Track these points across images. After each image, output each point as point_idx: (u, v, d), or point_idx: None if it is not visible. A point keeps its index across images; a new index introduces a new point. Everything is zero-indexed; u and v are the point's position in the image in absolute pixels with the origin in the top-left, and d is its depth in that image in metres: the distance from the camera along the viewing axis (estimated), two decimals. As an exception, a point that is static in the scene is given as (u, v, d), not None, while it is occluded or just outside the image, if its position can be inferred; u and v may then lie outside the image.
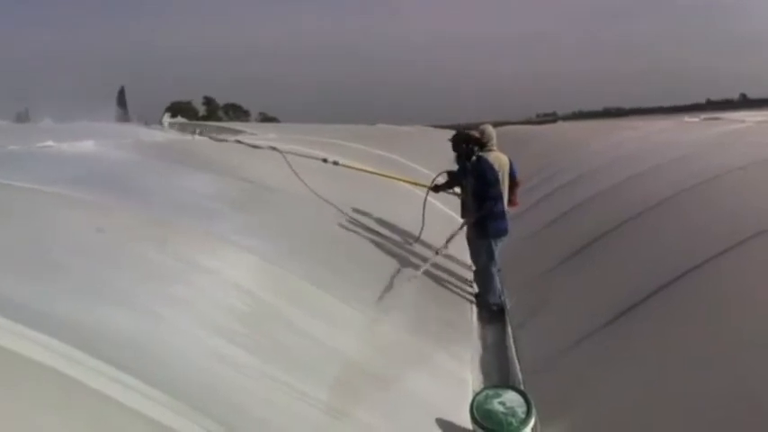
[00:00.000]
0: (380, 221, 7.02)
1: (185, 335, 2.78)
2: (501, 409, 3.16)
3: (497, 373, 4.72)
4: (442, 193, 7.29)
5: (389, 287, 5.15)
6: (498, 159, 6.50)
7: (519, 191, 7.19)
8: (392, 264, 5.90)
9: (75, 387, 1.93)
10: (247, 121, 71.03)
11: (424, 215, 6.70)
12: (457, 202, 7.24)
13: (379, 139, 16.98)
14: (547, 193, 9.85)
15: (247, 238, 4.28)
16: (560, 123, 39.71)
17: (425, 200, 6.85)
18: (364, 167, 8.68)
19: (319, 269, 4.58)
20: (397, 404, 3.50)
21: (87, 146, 6.47)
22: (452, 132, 6.81)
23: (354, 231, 6.21)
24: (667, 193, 5.64)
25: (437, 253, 6.10)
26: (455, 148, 6.46)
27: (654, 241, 4.98)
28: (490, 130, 6.71)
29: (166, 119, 17.60)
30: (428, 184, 7.14)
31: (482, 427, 3.08)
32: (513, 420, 3.08)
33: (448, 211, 8.57)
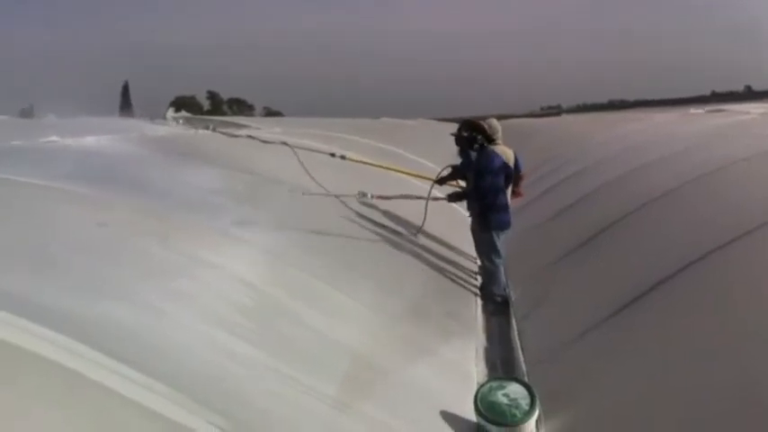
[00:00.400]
0: (386, 214, 7.02)
1: (189, 328, 2.79)
2: (505, 401, 3.16)
3: (502, 365, 4.73)
4: (445, 187, 7.29)
5: (394, 280, 5.16)
6: (504, 152, 6.50)
7: (523, 183, 7.19)
8: (397, 256, 5.90)
9: (76, 380, 1.93)
10: (251, 115, 70.97)
11: (426, 208, 6.71)
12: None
13: (384, 132, 16.99)
14: (551, 185, 9.85)
15: (251, 232, 4.29)
16: (564, 116, 39.62)
17: (429, 193, 6.86)
18: (371, 161, 8.70)
19: (324, 263, 4.58)
20: (401, 397, 3.50)
21: (91, 141, 6.49)
22: (456, 126, 6.82)
23: (359, 224, 6.21)
24: (671, 185, 5.63)
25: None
26: (458, 142, 6.49)
27: (658, 233, 4.97)
28: (496, 123, 6.71)
29: (170, 114, 17.56)
30: (433, 177, 7.16)
31: (486, 418, 3.08)
32: (518, 412, 3.08)
33: (455, 206, 8.56)
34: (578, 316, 4.44)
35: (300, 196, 6.08)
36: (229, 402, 2.37)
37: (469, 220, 6.76)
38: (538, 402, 3.15)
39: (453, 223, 7.88)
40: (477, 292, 6.25)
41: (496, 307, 5.96)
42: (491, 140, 6.42)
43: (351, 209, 6.54)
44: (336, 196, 6.54)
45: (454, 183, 7.15)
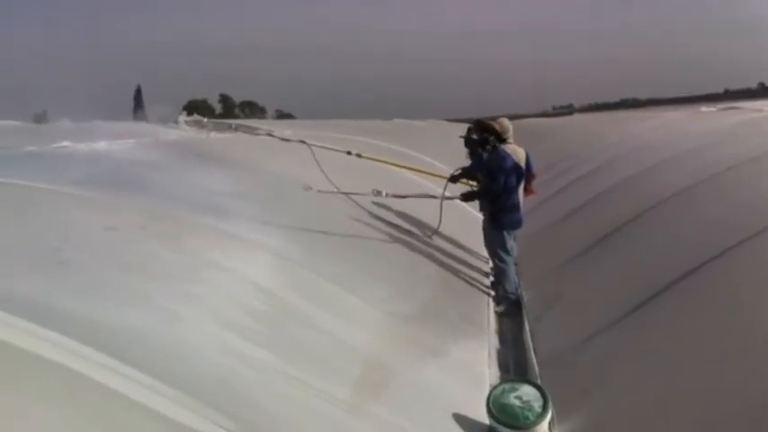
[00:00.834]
0: (399, 215, 7.02)
1: (198, 331, 2.79)
2: (517, 403, 3.15)
3: (514, 366, 4.71)
4: (458, 189, 7.30)
5: (406, 282, 5.16)
6: (515, 152, 6.49)
7: (535, 182, 7.18)
8: (410, 258, 5.90)
9: (80, 382, 1.94)
10: (263, 118, 71.12)
11: (441, 208, 6.72)
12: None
13: (395, 134, 16.98)
14: (563, 185, 9.82)
15: (263, 235, 4.29)
16: (576, 116, 39.48)
17: (443, 192, 6.87)
18: (385, 159, 8.73)
19: (335, 265, 4.58)
20: (413, 399, 3.50)
21: (103, 146, 6.52)
22: (466, 128, 6.82)
23: (372, 226, 6.21)
24: (683, 185, 5.60)
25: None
26: (467, 144, 6.50)
27: (670, 233, 4.95)
28: (507, 123, 6.71)
29: (183, 117, 17.63)
30: (446, 177, 7.17)
31: (499, 421, 3.07)
32: (530, 414, 3.07)
33: (467, 206, 8.55)
34: (591, 317, 4.42)
35: (313, 197, 6.08)
36: (238, 405, 2.37)
37: (482, 219, 6.76)
38: (550, 404, 3.13)
39: (466, 224, 7.87)
40: (490, 292, 6.24)
41: (508, 306, 5.95)
42: (502, 140, 6.41)
43: (364, 210, 6.54)
44: (349, 194, 6.54)
45: (466, 182, 7.15)
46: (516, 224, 6.31)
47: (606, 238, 5.68)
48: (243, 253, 3.91)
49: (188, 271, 3.36)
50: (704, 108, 15.38)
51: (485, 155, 6.25)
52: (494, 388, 3.34)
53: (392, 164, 8.74)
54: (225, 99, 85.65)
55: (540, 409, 3.09)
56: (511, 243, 6.26)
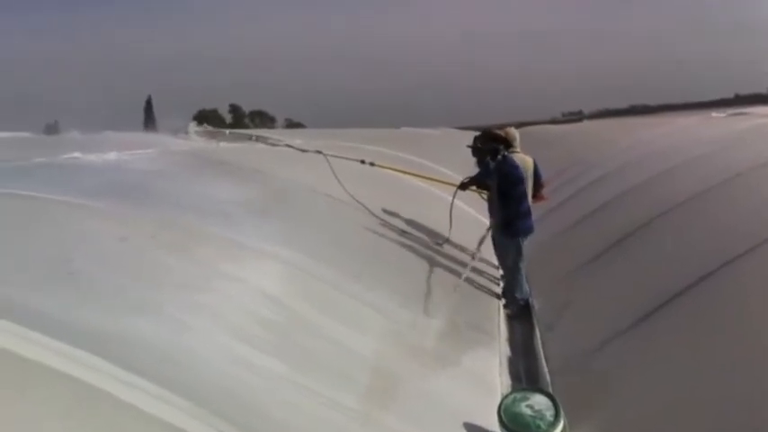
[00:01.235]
0: (409, 223, 7.02)
1: (209, 341, 2.79)
2: (529, 412, 3.13)
3: (525, 375, 4.69)
4: (468, 197, 7.33)
5: (417, 291, 5.15)
6: (523, 161, 6.51)
7: (545, 189, 7.19)
8: (420, 267, 5.90)
9: (94, 394, 1.94)
10: (273, 127, 71.24)
11: (451, 215, 6.77)
12: (483, 205, 7.29)
13: (405, 142, 16.96)
14: (573, 192, 9.80)
15: (273, 245, 4.29)
16: (586, 122, 39.35)
17: (453, 200, 6.96)
18: (398, 167, 8.84)
19: (345, 274, 4.58)
20: (423, 408, 3.49)
21: (114, 156, 6.54)
22: (474, 136, 6.89)
23: (382, 235, 6.21)
24: (693, 192, 5.59)
25: (473, 258, 6.25)
26: (475, 153, 6.58)
27: (681, 240, 4.93)
28: (514, 132, 6.75)
29: (193, 127, 17.74)
30: (456, 183, 7.21)
31: (510, 430, 3.06)
32: (542, 424, 3.05)
33: (474, 213, 8.56)
34: (602, 324, 4.40)
35: (323, 207, 6.11)
36: (248, 414, 2.37)
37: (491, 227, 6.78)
38: (562, 413, 3.11)
39: (476, 231, 7.86)
40: (500, 299, 6.24)
41: (519, 311, 5.96)
42: (510, 150, 6.44)
43: (375, 218, 6.54)
44: (362, 203, 6.59)
45: (476, 189, 7.19)
46: (528, 230, 6.34)
47: (617, 245, 5.66)
48: (253, 262, 3.92)
49: (198, 281, 3.36)
50: (714, 114, 15.33)
51: (492, 164, 6.27)
52: (505, 397, 3.32)
53: (404, 172, 8.83)
54: (235, 109, 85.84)
55: (551, 419, 3.07)
56: (522, 250, 6.27)
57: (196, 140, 14.22)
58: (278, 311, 3.44)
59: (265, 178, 6.53)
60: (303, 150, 8.34)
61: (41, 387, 1.92)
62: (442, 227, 6.97)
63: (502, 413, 3.15)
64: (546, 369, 4.51)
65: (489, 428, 3.27)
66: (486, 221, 7.18)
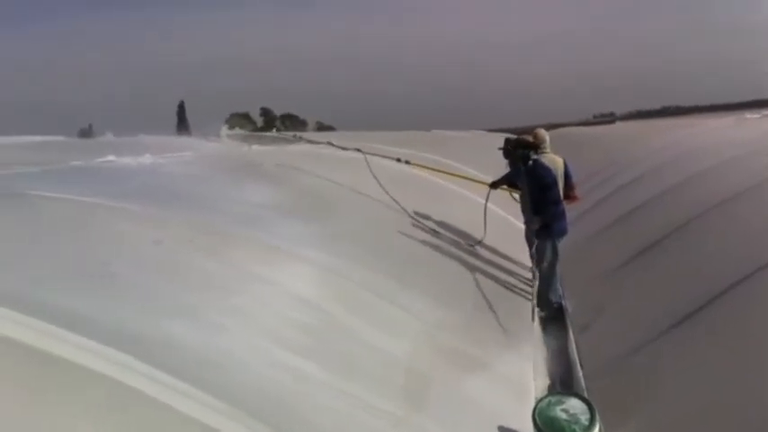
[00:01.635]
0: (442, 225, 7.02)
1: (245, 344, 2.81)
2: (564, 416, 3.10)
3: (560, 378, 4.66)
4: (500, 200, 7.36)
5: (451, 293, 5.14)
6: (553, 161, 6.53)
7: (577, 190, 7.17)
8: (455, 268, 5.91)
9: (131, 396, 1.97)
10: (304, 130, 71.51)
11: (485, 216, 6.81)
12: (515, 206, 7.29)
13: (436, 145, 16.94)
14: (606, 194, 9.72)
15: (307, 248, 4.31)
16: (618, 124, 39.00)
17: (486, 201, 7.07)
18: (431, 166, 8.92)
19: (381, 277, 4.58)
20: (459, 411, 3.48)
21: (148, 160, 6.62)
22: (505, 138, 6.94)
23: (416, 236, 6.21)
24: (729, 193, 5.50)
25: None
26: (506, 155, 6.68)
27: (716, 242, 4.86)
28: (543, 133, 6.77)
29: (225, 131, 17.93)
30: (488, 183, 7.35)
31: (544, 434, 3.04)
32: (577, 428, 3.02)
33: (505, 215, 8.52)
34: (637, 327, 4.36)
35: (357, 208, 6.14)
36: (283, 417, 2.38)
37: (523, 228, 6.79)
38: (598, 418, 3.08)
39: (508, 232, 7.83)
40: (534, 301, 6.21)
41: (553, 314, 5.96)
42: (540, 151, 6.45)
43: (408, 219, 6.55)
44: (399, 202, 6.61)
45: (507, 188, 7.31)
46: (563, 232, 6.39)
47: (651, 247, 5.60)
48: (287, 265, 3.94)
49: (234, 283, 3.39)
50: (749, 114, 15.09)
51: (524, 169, 6.31)
52: (539, 400, 3.29)
53: (438, 170, 8.92)
54: (266, 112, 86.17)
55: (587, 423, 3.04)
56: (558, 251, 6.29)
57: (228, 144, 14.35)
58: (313, 314, 3.46)
59: (299, 181, 6.56)
60: (343, 148, 8.41)
61: (78, 388, 1.95)
62: (474, 228, 6.98)
63: (536, 417, 3.13)
64: (581, 372, 4.47)
65: (524, 432, 3.25)
66: (518, 223, 7.17)
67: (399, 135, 21.35)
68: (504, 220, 8.41)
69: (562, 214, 6.34)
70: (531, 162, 6.28)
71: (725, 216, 5.21)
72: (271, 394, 2.54)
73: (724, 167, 6.91)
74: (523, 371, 4.49)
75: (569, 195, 6.75)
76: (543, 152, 6.56)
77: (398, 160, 8.09)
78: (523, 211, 6.72)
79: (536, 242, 6.42)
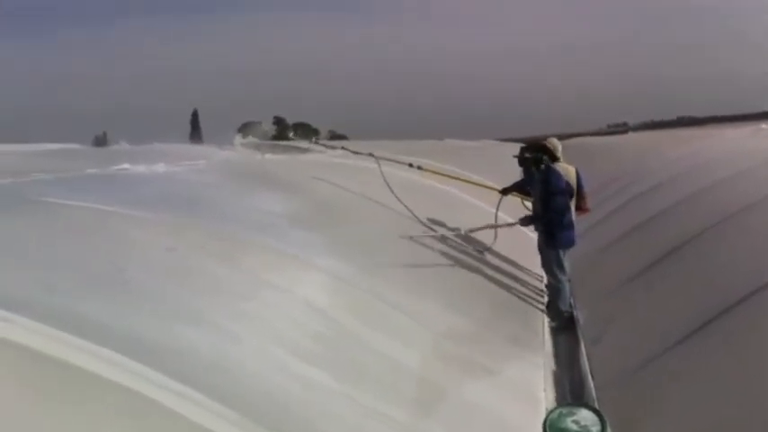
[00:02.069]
0: (452, 231, 7.02)
1: (257, 352, 2.82)
2: (575, 427, 3.09)
3: (571, 389, 4.64)
4: (510, 209, 7.37)
5: (462, 302, 5.14)
6: (566, 170, 6.52)
7: (589, 200, 7.16)
8: (465, 276, 5.92)
9: (145, 404, 1.98)
10: (317, 139, 71.45)
11: (496, 222, 6.96)
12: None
13: (448, 154, 16.95)
14: (619, 204, 9.68)
15: (319, 256, 4.32)
16: (631, 134, 38.86)
17: (497, 208, 7.21)
18: (443, 172, 8.97)
19: (391, 284, 4.59)
20: (468, 421, 3.48)
21: (161, 168, 6.66)
22: (521, 146, 6.97)
23: (426, 244, 6.21)
24: (742, 205, 5.47)
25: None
26: (521, 162, 6.75)
27: (729, 254, 4.83)
28: (556, 142, 6.78)
29: (238, 139, 18.05)
30: (498, 189, 7.48)
31: (555, 445, 3.03)
32: (588, 439, 3.02)
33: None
34: (649, 339, 4.34)
35: (367, 217, 6.15)
36: (295, 425, 2.39)
37: (536, 238, 6.79)
38: (609, 429, 3.08)
39: (520, 241, 7.82)
40: (544, 310, 6.21)
41: (563, 323, 5.95)
42: (555, 159, 6.46)
43: (419, 226, 6.55)
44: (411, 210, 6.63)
45: (518, 194, 7.38)
46: (571, 242, 6.35)
47: (664, 258, 5.58)
48: (299, 273, 3.95)
49: (246, 291, 3.40)
50: (764, 125, 15.01)
51: (537, 174, 6.31)
52: (550, 411, 3.28)
53: (450, 176, 8.98)
54: (279, 121, 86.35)
55: (598, 434, 3.03)
56: (566, 261, 6.27)
57: (241, 152, 14.43)
58: (324, 322, 3.47)
59: (311, 189, 6.58)
60: (356, 153, 8.44)
61: (92, 395, 1.96)
62: (485, 236, 7.02)
63: (547, 428, 3.12)
64: (592, 383, 4.45)
65: (534, 443, 3.24)
66: (531, 233, 7.18)
67: (411, 144, 21.39)
68: (517, 230, 8.40)
69: (569, 225, 6.30)
70: (543, 166, 6.28)
71: (739, 227, 5.18)
72: (282, 402, 2.55)
73: (740, 178, 6.87)
74: (534, 381, 4.47)
75: (580, 206, 6.74)
76: (558, 161, 6.57)
77: (411, 165, 8.10)
78: (535, 220, 6.72)
79: (543, 250, 6.44)
